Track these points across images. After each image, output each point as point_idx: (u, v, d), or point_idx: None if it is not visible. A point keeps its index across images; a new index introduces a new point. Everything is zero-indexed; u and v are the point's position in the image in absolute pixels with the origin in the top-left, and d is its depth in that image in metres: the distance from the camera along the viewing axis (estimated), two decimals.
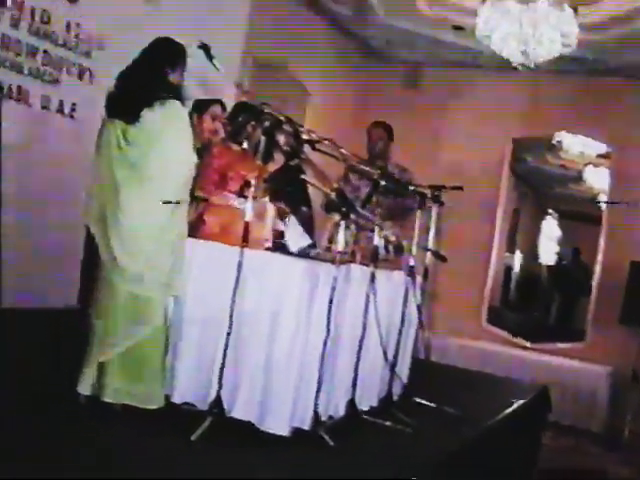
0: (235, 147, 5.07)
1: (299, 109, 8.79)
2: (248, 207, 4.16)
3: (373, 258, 4.68)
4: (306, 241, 4.63)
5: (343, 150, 5.06)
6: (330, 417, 4.50)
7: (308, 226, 5.18)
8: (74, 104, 6.19)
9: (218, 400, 4.10)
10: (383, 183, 5.26)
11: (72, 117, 6.20)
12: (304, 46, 8.77)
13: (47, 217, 5.86)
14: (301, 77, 9.01)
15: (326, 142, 4.88)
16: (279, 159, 5.16)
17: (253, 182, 4.19)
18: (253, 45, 7.78)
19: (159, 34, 4.47)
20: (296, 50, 8.61)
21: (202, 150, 4.78)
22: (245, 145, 5.05)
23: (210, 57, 4.38)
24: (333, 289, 4.20)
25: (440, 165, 9.73)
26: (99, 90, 5.78)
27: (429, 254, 5.43)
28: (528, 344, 10.01)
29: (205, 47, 4.36)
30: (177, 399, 4.33)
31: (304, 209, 5.40)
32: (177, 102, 4.19)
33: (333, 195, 4.60)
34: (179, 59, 4.35)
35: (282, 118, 4.51)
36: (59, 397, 4.10)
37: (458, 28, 8.96)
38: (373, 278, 4.62)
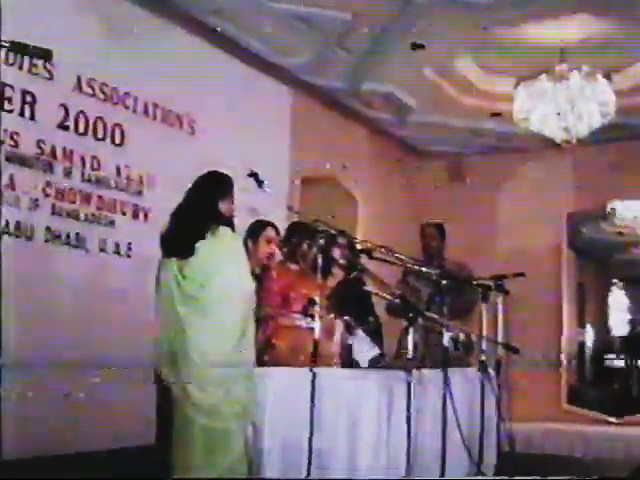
0: (293, 267, 5.13)
1: (350, 217, 8.90)
2: (316, 325, 4.18)
3: (444, 359, 4.66)
4: (375, 352, 4.64)
5: (399, 255, 5.09)
6: None
7: (376, 335, 5.19)
8: (130, 243, 6.31)
9: None
10: (444, 282, 5.26)
11: (129, 256, 6.31)
12: (347, 155, 8.93)
13: (113, 357, 5.92)
14: (348, 186, 9.14)
15: (381, 249, 4.92)
16: (337, 273, 5.19)
17: (317, 300, 4.23)
18: (298, 162, 7.92)
19: (205, 164, 4.57)
20: (340, 160, 8.75)
21: (261, 274, 4.84)
22: (303, 264, 5.11)
23: (260, 183, 4.46)
24: (409, 396, 4.19)
25: (498, 252, 9.70)
26: (154, 226, 5.96)
27: (500, 346, 5.39)
28: (613, 419, 9.78)
29: (254, 175, 4.45)
30: None
31: (370, 319, 5.41)
32: (229, 230, 4.25)
33: (397, 301, 4.62)
34: (226, 189, 4.41)
35: (335, 232, 4.56)
36: None
37: (496, 115, 9.06)
38: (447, 379, 4.60)
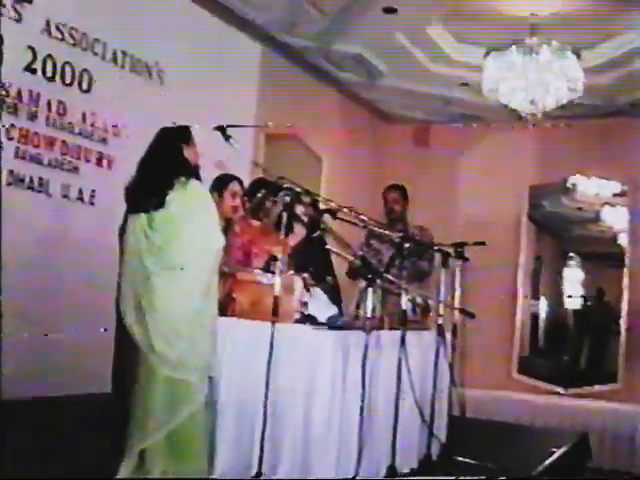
0: (256, 223, 5.15)
1: (314, 178, 8.90)
2: (276, 281, 4.20)
3: (402, 321, 4.71)
4: (332, 311, 4.68)
5: (363, 216, 5.12)
6: None
7: (334, 295, 5.22)
8: (93, 191, 6.28)
9: (259, 475, 4.11)
10: (407, 245, 5.30)
11: (92, 204, 6.28)
12: (315, 115, 8.92)
13: (73, 304, 5.91)
14: (314, 146, 9.14)
15: (345, 210, 4.94)
16: (299, 231, 5.21)
17: (279, 256, 4.25)
18: (264, 119, 7.89)
19: (171, 115, 4.56)
20: (307, 120, 8.74)
21: (225, 229, 4.85)
22: (265, 220, 5.13)
23: (227, 137, 4.44)
24: (365, 356, 4.23)
25: (459, 220, 9.77)
26: (118, 175, 5.94)
27: (457, 312, 5.45)
28: (561, 390, 9.98)
29: (221, 128, 4.43)
30: (218, 476, 4.33)
31: (329, 279, 5.44)
32: (198, 183, 4.23)
33: (357, 262, 4.66)
34: (189, 136, 4.39)
35: (300, 190, 4.57)
36: None
37: (464, 84, 9.08)
38: (403, 341, 4.66)
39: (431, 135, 10.83)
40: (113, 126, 6.46)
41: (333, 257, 5.80)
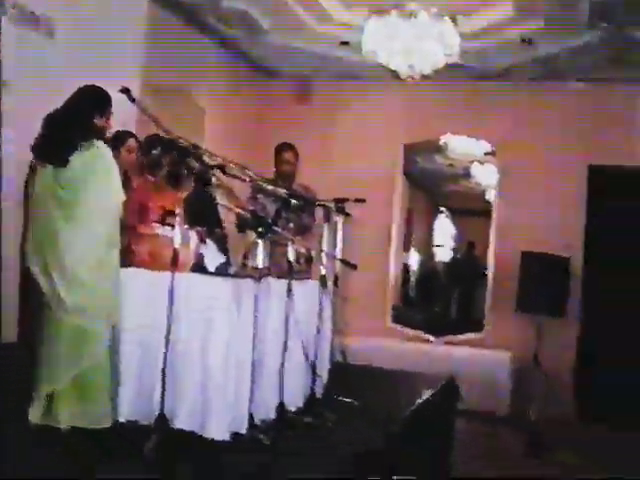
0: (151, 179, 5.37)
1: (199, 131, 9.08)
2: (176, 234, 4.45)
3: (289, 271, 5.03)
4: (221, 259, 4.98)
5: (250, 172, 5.39)
6: (263, 420, 4.87)
7: (222, 245, 5.50)
8: None
9: (162, 416, 4.40)
10: (293, 201, 5.61)
11: None
12: (199, 69, 9.09)
13: None
14: (199, 100, 9.33)
15: (233, 165, 5.17)
16: (189, 185, 5.45)
17: (177, 211, 4.50)
18: (151, 73, 7.98)
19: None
20: (192, 74, 8.91)
21: (123, 183, 5.05)
22: (159, 175, 5.35)
23: (133, 99, 4.60)
24: (256, 302, 4.56)
25: (336, 175, 9.99)
26: (7, 130, 6.01)
27: (338, 263, 5.81)
28: (432, 338, 10.53)
29: (126, 90, 4.58)
30: (123, 418, 4.60)
31: (217, 230, 5.70)
32: (101, 143, 4.46)
33: (249, 215, 4.94)
34: (106, 105, 4.61)
35: (191, 146, 4.79)
36: (9, 428, 4.26)
37: (345, 43, 9.32)
38: (290, 289, 4.98)
39: (310, 92, 11.06)
40: (2, 82, 6.47)
41: (221, 209, 6.07)
